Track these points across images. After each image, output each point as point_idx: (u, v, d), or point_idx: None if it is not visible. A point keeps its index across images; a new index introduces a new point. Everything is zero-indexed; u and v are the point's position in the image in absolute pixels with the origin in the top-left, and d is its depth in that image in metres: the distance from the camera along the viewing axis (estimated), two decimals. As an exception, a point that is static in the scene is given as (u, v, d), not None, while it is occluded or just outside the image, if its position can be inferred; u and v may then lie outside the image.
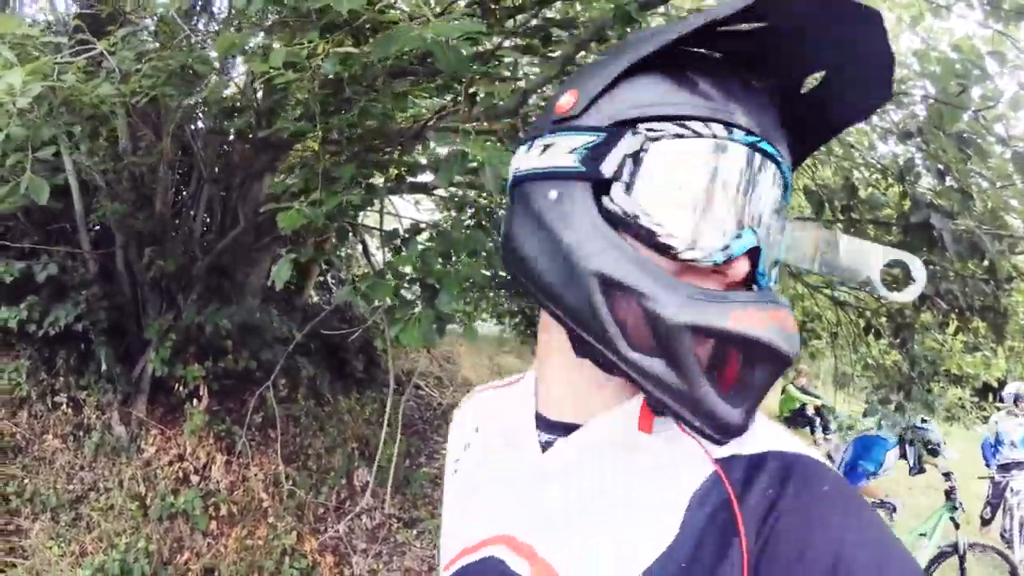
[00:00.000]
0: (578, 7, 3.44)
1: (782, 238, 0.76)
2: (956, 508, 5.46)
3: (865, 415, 5.10)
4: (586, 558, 0.74)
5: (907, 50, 4.32)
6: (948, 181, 3.28)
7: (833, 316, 5.40)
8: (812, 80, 0.80)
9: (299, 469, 5.43)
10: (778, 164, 0.72)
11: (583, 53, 3.09)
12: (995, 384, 6.55)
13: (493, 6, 3.59)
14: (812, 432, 11.69)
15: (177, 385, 5.14)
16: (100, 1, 4.05)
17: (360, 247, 6.00)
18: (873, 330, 4.80)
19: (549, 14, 3.78)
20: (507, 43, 3.41)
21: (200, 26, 4.93)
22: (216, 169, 5.33)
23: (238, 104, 3.89)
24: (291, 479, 5.16)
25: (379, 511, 5.37)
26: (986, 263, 3.59)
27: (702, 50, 0.76)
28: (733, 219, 0.70)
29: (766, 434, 0.75)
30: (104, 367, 5.11)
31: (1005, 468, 7.82)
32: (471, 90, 2.89)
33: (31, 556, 4.12)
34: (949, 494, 5.52)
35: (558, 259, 0.72)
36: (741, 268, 0.69)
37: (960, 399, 5.97)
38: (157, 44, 3.93)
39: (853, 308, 5.07)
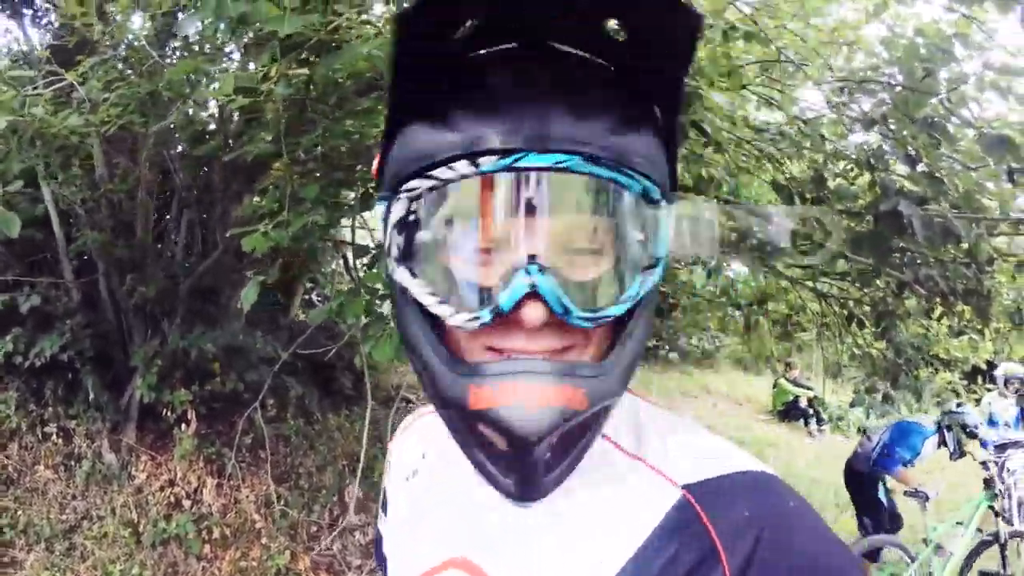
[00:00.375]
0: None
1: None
2: (996, 496, 5.32)
3: (852, 405, 5.08)
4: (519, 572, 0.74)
5: (874, 38, 4.34)
6: (920, 167, 3.28)
7: (817, 308, 5.41)
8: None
9: (291, 488, 5.42)
10: (566, 168, 0.59)
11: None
12: (984, 366, 6.56)
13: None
14: (806, 424, 11.71)
15: (165, 410, 5.14)
16: (68, 32, 4.05)
17: (342, 263, 5.99)
18: (856, 320, 4.81)
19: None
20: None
21: (170, 51, 4.93)
22: (195, 192, 5.33)
23: (209, 128, 3.90)
24: (283, 499, 5.16)
25: (371, 526, 5.36)
26: (965, 246, 3.59)
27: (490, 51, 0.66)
28: (491, 266, 0.63)
29: (722, 453, 0.74)
30: (92, 396, 5.12)
31: (1000, 448, 7.83)
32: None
33: (26, 588, 4.13)
34: (989, 483, 5.39)
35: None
36: (531, 314, 0.61)
37: (950, 383, 5.96)
38: (128, 72, 3.93)
39: (836, 299, 5.08)
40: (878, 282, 4.56)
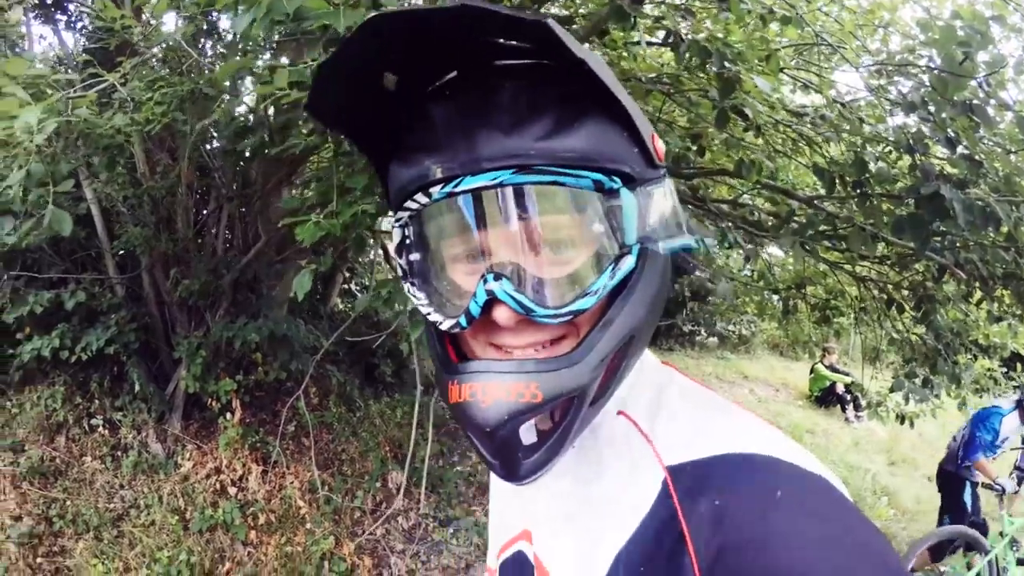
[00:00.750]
0: (580, 8, 3.47)
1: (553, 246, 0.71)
2: None
3: (892, 391, 5.02)
4: (560, 554, 0.81)
5: (910, 19, 4.30)
6: (959, 150, 3.27)
7: (856, 292, 5.37)
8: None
9: (334, 475, 5.52)
10: (500, 183, 0.66)
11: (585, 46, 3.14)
12: (1022, 352, 6.47)
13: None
14: (843, 410, 11.62)
15: (210, 400, 5.23)
16: (108, 34, 4.14)
17: (381, 252, 6.06)
18: (895, 304, 4.77)
19: (550, 9, 3.82)
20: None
21: (207, 49, 5.02)
22: (234, 186, 5.42)
23: (250, 123, 3.96)
24: (327, 485, 5.25)
25: (414, 511, 5.44)
26: (1005, 230, 3.56)
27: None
28: (469, 278, 0.73)
29: (723, 433, 0.72)
30: (137, 387, 5.21)
31: None
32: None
33: (76, 575, 4.23)
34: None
35: None
36: (500, 316, 0.69)
37: (989, 370, 5.87)
38: (167, 71, 4.01)
39: (875, 283, 5.05)
40: (917, 266, 4.53)
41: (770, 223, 4.42)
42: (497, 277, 0.68)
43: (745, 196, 5.01)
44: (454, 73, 0.71)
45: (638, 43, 3.65)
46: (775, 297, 6.25)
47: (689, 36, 3.02)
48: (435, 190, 0.69)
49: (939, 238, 3.68)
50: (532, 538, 0.88)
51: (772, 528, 0.61)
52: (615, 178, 0.69)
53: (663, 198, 0.75)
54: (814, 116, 3.84)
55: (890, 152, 3.63)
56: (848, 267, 4.95)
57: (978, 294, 4.52)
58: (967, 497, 5.72)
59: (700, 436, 0.72)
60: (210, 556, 4.52)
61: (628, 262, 0.71)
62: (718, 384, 12.04)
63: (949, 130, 3.12)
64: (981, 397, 5.87)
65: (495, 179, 0.66)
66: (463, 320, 0.71)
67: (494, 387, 0.68)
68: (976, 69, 2.90)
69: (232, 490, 4.95)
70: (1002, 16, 3.03)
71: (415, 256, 0.78)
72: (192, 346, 5.20)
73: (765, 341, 15.70)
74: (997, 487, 5.39)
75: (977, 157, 3.15)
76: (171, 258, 5.36)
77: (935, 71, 3.10)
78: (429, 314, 0.76)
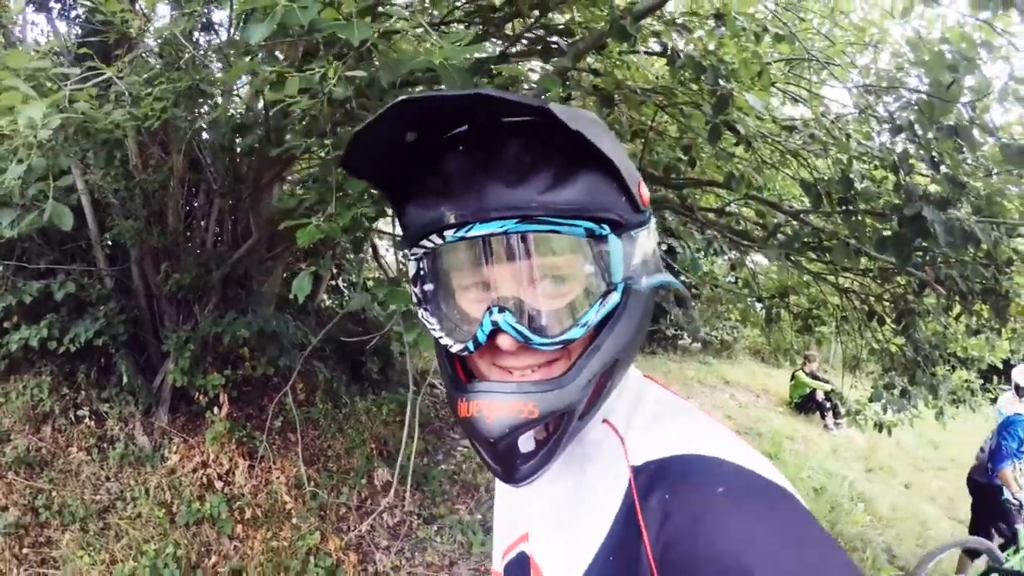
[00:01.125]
0: (576, 16, 3.54)
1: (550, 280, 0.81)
2: None
3: (871, 400, 5.12)
4: (552, 555, 0.91)
5: (900, 37, 4.39)
6: (943, 170, 3.37)
7: (838, 302, 5.47)
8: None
9: (320, 471, 5.55)
10: (505, 231, 0.77)
11: (584, 62, 3.22)
12: (999, 365, 6.59)
13: (492, 15, 3.68)
14: (823, 417, 11.77)
15: (197, 394, 5.25)
16: (106, 26, 4.14)
17: (370, 251, 6.11)
18: (876, 316, 4.88)
19: (553, 19, 3.87)
20: (510, 50, 3.52)
21: (202, 42, 5.02)
22: (225, 182, 5.43)
23: (246, 122, 3.99)
24: (313, 481, 5.28)
25: (399, 509, 5.48)
26: (985, 248, 3.67)
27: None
28: (477, 308, 0.84)
29: (681, 436, 0.82)
30: (125, 380, 5.21)
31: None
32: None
33: (62, 566, 4.23)
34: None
35: None
36: (503, 343, 0.80)
37: (967, 382, 6.00)
38: (162, 64, 4.02)
39: (857, 295, 5.15)
40: (899, 279, 4.64)
41: (756, 233, 4.51)
42: (501, 310, 0.79)
43: (732, 206, 5.10)
44: (465, 127, 0.81)
45: (635, 52, 3.72)
46: (758, 305, 6.36)
47: (685, 51, 3.10)
48: (448, 233, 0.80)
49: (920, 254, 3.78)
50: (529, 538, 0.98)
51: (712, 520, 0.70)
52: (604, 225, 0.80)
53: (646, 239, 0.87)
54: (803, 131, 3.92)
55: (876, 169, 3.72)
56: (831, 278, 5.04)
57: (957, 308, 4.62)
58: (1009, 497, 5.68)
59: (661, 439, 0.83)
60: (196, 549, 4.54)
61: (614, 298, 0.81)
62: (699, 388, 12.17)
63: (934, 151, 3.22)
64: (958, 408, 5.99)
65: (502, 227, 0.77)
66: (471, 345, 0.82)
67: (497, 405, 0.79)
68: (962, 93, 3.00)
69: (219, 484, 4.97)
70: (989, 42, 3.11)
71: (429, 287, 0.89)
72: (180, 340, 5.21)
73: (747, 347, 15.87)
74: (1015, 502, 5.43)
75: (960, 179, 3.25)
76: (161, 251, 5.36)
77: (923, 94, 3.19)
78: (440, 338, 0.87)
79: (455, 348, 0.85)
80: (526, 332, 0.79)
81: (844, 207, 3.45)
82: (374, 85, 2.57)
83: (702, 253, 5.56)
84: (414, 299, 0.91)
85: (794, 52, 4.20)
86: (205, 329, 5.23)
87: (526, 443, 0.83)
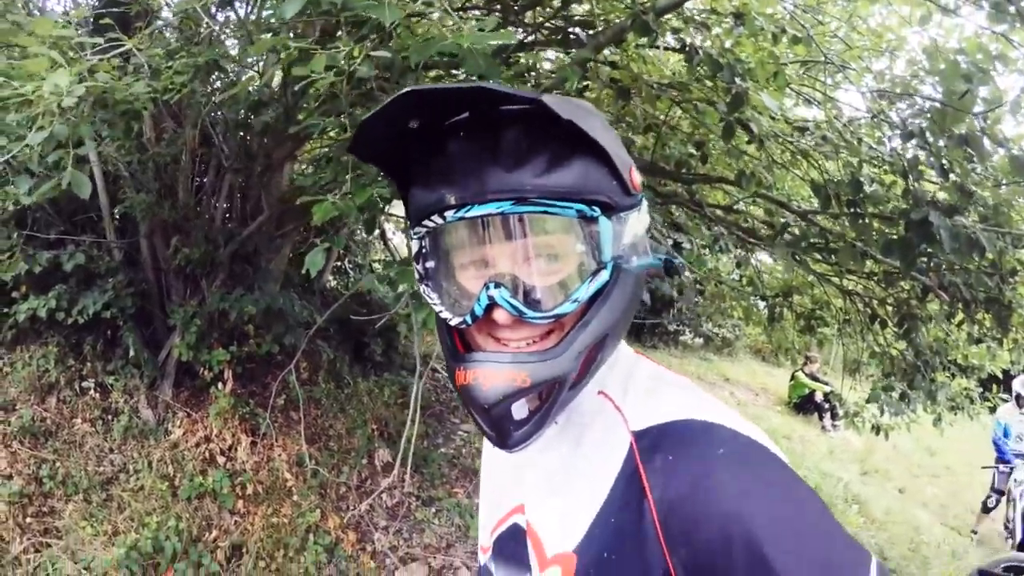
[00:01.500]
0: (596, 8, 3.56)
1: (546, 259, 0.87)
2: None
3: (869, 401, 5.15)
4: (549, 517, 0.96)
5: (917, 46, 4.40)
6: (952, 178, 3.40)
7: (841, 304, 5.50)
8: None
9: (321, 449, 5.60)
10: (501, 212, 0.83)
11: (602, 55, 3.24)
12: (999, 375, 6.62)
13: (512, 2, 3.70)
14: (820, 418, 11.82)
15: (202, 369, 5.28)
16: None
17: (378, 232, 6.14)
18: (879, 319, 4.92)
19: (573, 9, 3.89)
20: (528, 38, 3.54)
21: (219, 17, 5.04)
22: (237, 159, 5.45)
23: (263, 98, 4.01)
24: (314, 459, 5.32)
25: (398, 490, 5.53)
26: (990, 257, 3.71)
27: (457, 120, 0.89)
28: (475, 283, 0.90)
29: (678, 403, 0.89)
30: (131, 352, 5.24)
31: (1018, 458, 7.98)
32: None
33: (65, 536, 4.26)
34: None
35: None
36: (499, 317, 0.86)
37: (966, 389, 6.03)
38: (180, 39, 4.04)
39: (861, 297, 5.18)
40: (903, 284, 4.67)
41: (762, 231, 4.54)
42: (497, 285, 0.85)
43: (741, 204, 5.13)
44: (466, 114, 0.87)
45: (654, 47, 3.74)
46: (761, 303, 6.40)
47: (703, 48, 3.13)
48: (449, 214, 0.86)
49: (925, 259, 3.81)
50: (525, 509, 1.03)
51: (714, 479, 0.77)
52: (595, 208, 0.85)
53: (636, 221, 0.92)
54: (815, 133, 3.95)
55: (886, 173, 3.75)
56: (836, 280, 5.07)
57: (960, 315, 4.65)
58: None
59: (659, 406, 0.90)
60: (198, 523, 4.58)
61: (603, 276, 0.88)
62: (699, 385, 12.13)
63: (944, 159, 3.25)
64: (956, 415, 6.02)
65: (498, 208, 0.83)
66: (468, 319, 0.89)
67: (492, 374, 0.85)
68: (975, 103, 3.02)
69: (221, 459, 5.01)
70: (1005, 54, 3.14)
71: (430, 264, 0.95)
72: (187, 314, 5.24)
73: (748, 345, 15.95)
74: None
75: (968, 187, 3.28)
76: (171, 225, 5.38)
77: (936, 103, 3.22)
78: (440, 312, 0.94)
79: (454, 321, 0.91)
80: (520, 306, 0.85)
81: (852, 209, 3.48)
82: (394, 66, 2.60)
83: (708, 250, 5.59)
84: (416, 275, 0.97)
85: (810, 54, 4.22)
86: (212, 305, 5.26)
87: (519, 410, 0.88)
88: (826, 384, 12.03)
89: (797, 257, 3.83)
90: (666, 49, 3.82)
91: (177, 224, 5.38)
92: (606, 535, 0.86)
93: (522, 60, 2.72)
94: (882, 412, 5.05)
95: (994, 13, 2.99)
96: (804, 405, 12.33)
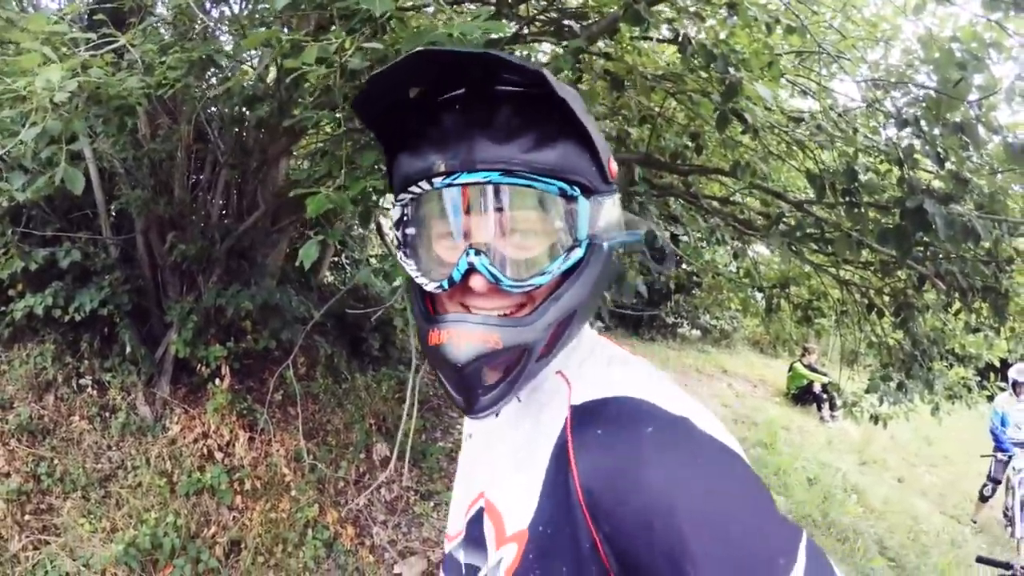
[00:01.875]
0: (591, 0, 3.56)
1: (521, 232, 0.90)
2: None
3: (867, 391, 5.16)
4: (508, 494, 0.98)
5: (911, 33, 4.39)
6: (948, 166, 3.40)
7: (838, 295, 5.50)
8: None
9: (319, 445, 5.60)
10: (489, 181, 0.86)
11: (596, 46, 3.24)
12: (997, 364, 6.63)
13: (506, -5, 3.69)
14: (819, 409, 11.85)
15: (199, 365, 5.27)
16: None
17: (375, 227, 6.13)
18: (876, 309, 4.92)
19: (567, 1, 3.88)
20: (523, 31, 3.53)
21: (214, 12, 5.02)
22: (232, 154, 5.44)
23: (258, 93, 4.00)
24: (312, 454, 5.32)
25: (397, 484, 5.54)
26: (986, 245, 3.70)
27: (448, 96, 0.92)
28: (452, 253, 0.92)
29: (619, 381, 0.93)
30: (128, 349, 5.24)
31: (1017, 446, 8.02)
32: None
33: (63, 533, 4.27)
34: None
35: None
36: (475, 283, 0.89)
37: (964, 378, 6.04)
38: (175, 34, 4.03)
39: (857, 287, 5.17)
40: (900, 273, 4.67)
41: (759, 222, 4.54)
42: (477, 252, 0.88)
43: (737, 195, 5.12)
44: (463, 90, 0.90)
45: (647, 39, 3.74)
46: (759, 295, 6.40)
47: (696, 38, 3.12)
48: (437, 180, 0.89)
49: (921, 248, 3.81)
50: (487, 490, 1.05)
51: (640, 459, 0.80)
52: (575, 187, 0.90)
53: (611, 207, 0.97)
54: (810, 123, 3.95)
55: (881, 162, 3.75)
56: (832, 270, 5.07)
57: (957, 304, 4.65)
58: None
59: (603, 382, 0.93)
60: (196, 519, 4.59)
61: (578, 252, 0.91)
62: (697, 377, 12.27)
63: (939, 147, 3.24)
64: (953, 404, 6.03)
65: (486, 178, 0.86)
66: (445, 283, 0.91)
67: (466, 334, 0.88)
68: (969, 91, 3.02)
69: (219, 455, 5.01)
70: (999, 42, 3.14)
71: (411, 231, 0.97)
72: (184, 311, 5.24)
73: (746, 337, 15.99)
74: None
75: (963, 175, 3.28)
76: (166, 222, 5.38)
77: (931, 91, 3.22)
78: (417, 277, 0.96)
79: (430, 287, 0.94)
80: (497, 274, 0.88)
81: (848, 198, 3.48)
82: (387, 59, 2.59)
83: (705, 241, 5.60)
84: (396, 242, 1.00)
85: (805, 45, 4.22)
86: (208, 301, 5.26)
87: (488, 377, 0.91)
88: (824, 375, 12.01)
89: (793, 248, 3.83)
90: (659, 40, 3.83)
91: (173, 220, 5.38)
92: (546, 509, 0.89)
93: (516, 52, 2.72)
94: (881, 402, 5.06)
95: (988, 1, 2.98)
96: (802, 396, 12.36)
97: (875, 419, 5.64)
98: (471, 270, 0.88)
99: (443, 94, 0.91)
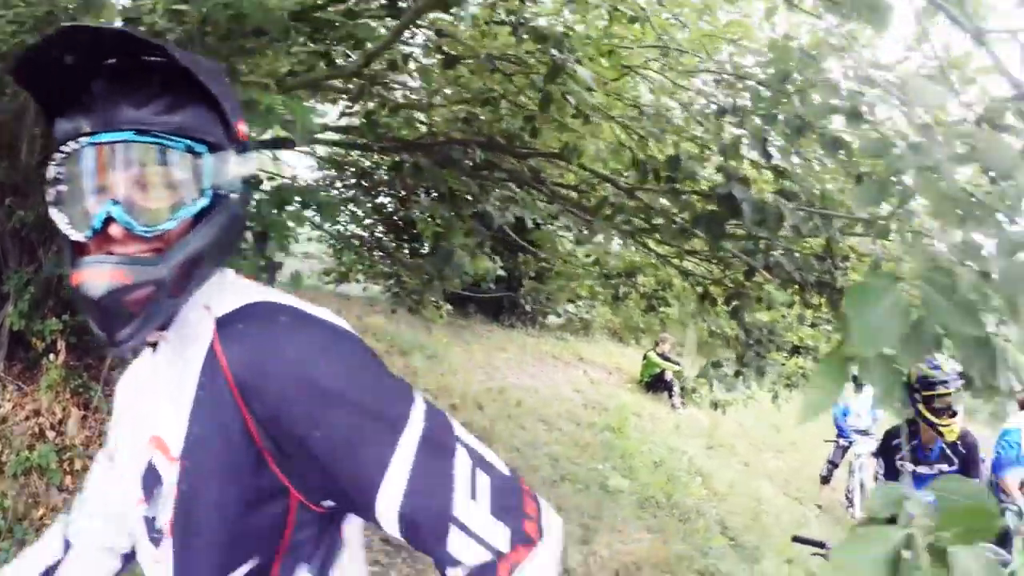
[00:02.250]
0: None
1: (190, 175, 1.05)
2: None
3: (698, 377, 5.40)
4: (168, 422, 1.10)
5: (764, 40, 4.52)
6: (775, 161, 3.55)
7: (680, 285, 5.70)
8: None
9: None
10: (124, 140, 0.99)
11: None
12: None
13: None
14: (670, 396, 12.37)
15: (35, 340, 5.05)
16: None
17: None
18: (708, 298, 5.12)
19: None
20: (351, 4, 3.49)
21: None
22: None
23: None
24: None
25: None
26: (821, 241, 3.90)
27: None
28: (96, 203, 1.01)
29: (256, 294, 1.10)
30: (-40, 322, 4.95)
31: (857, 433, 8.66)
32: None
33: None
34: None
35: None
36: (112, 230, 1.00)
37: (802, 368, 6.37)
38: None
39: (696, 278, 5.36)
40: (738, 265, 4.86)
41: (604, 211, 4.61)
42: (115, 203, 0.99)
43: (583, 184, 5.20)
44: (113, 60, 1.04)
45: (495, 22, 3.75)
46: (608, 282, 6.56)
47: (528, 21, 3.18)
48: (83, 139, 1.00)
49: (751, 241, 3.98)
50: (154, 435, 1.13)
51: (278, 340, 1.00)
52: (202, 145, 1.05)
53: (239, 165, 1.11)
54: (652, 116, 4.05)
55: (704, 153, 3.89)
56: (676, 261, 5.24)
57: (789, 297, 4.87)
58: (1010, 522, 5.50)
59: (241, 296, 1.09)
60: (24, 500, 4.37)
61: (203, 202, 1.06)
62: (554, 363, 12.56)
63: (769, 142, 3.37)
64: (791, 392, 6.36)
65: (123, 136, 1.00)
66: (89, 232, 1.00)
67: (100, 273, 0.98)
68: (804, 88, 3.15)
69: (50, 434, 4.79)
70: (847, 48, 3.25)
71: (63, 188, 1.05)
72: (21, 281, 4.99)
73: (604, 326, 16.50)
74: (1014, 507, 5.12)
75: (783, 168, 3.45)
76: (8, 187, 5.10)
77: (759, 86, 3.36)
78: (67, 229, 1.04)
79: (75, 236, 1.03)
80: (132, 221, 1.00)
81: (670, 184, 3.61)
82: (207, 22, 2.55)
83: (550, 225, 5.73)
84: (48, 198, 1.08)
85: (658, 41, 4.31)
86: (48, 271, 5.01)
87: (125, 311, 1.01)
88: (677, 364, 12.59)
89: (633, 235, 3.94)
90: (492, 22, 3.86)
91: (16, 185, 5.10)
92: (198, 416, 1.04)
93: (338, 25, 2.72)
94: (710, 387, 5.28)
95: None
96: (655, 384, 12.84)
97: (715, 405, 5.89)
98: (109, 219, 0.99)
99: (100, 61, 1.03)
